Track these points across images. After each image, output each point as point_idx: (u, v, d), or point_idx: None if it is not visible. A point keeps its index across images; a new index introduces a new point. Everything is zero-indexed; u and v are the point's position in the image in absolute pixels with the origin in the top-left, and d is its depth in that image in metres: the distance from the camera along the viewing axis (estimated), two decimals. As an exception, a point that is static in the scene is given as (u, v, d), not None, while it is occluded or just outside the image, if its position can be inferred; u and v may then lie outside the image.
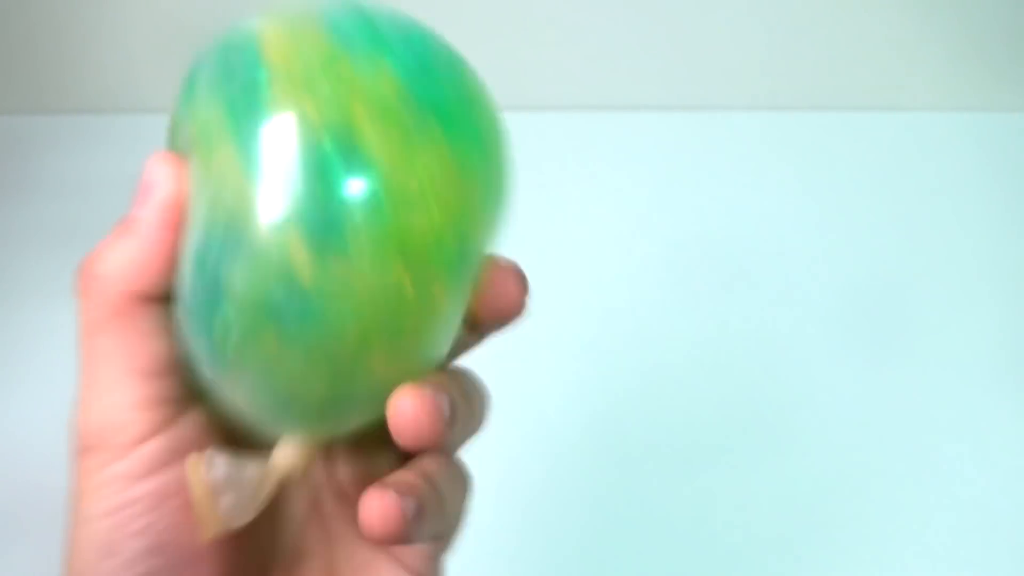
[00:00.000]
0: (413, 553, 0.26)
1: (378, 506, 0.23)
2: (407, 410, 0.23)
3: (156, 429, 0.24)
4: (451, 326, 0.24)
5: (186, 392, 0.24)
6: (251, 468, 0.23)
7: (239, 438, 0.25)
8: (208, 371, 0.23)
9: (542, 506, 0.51)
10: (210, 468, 0.23)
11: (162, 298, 0.24)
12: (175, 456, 0.24)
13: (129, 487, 0.23)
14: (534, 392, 0.54)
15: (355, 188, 0.21)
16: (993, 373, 0.57)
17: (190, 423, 0.25)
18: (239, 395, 0.23)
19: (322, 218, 0.21)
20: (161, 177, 0.23)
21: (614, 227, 0.65)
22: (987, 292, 0.61)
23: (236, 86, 0.22)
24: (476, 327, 0.25)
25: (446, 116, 0.22)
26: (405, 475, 0.24)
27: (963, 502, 0.51)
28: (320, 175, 0.21)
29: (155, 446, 0.24)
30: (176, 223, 0.23)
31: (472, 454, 0.26)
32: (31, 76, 0.72)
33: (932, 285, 0.61)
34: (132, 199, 0.24)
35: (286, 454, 0.24)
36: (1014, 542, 0.50)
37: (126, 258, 0.24)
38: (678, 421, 0.55)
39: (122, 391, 0.24)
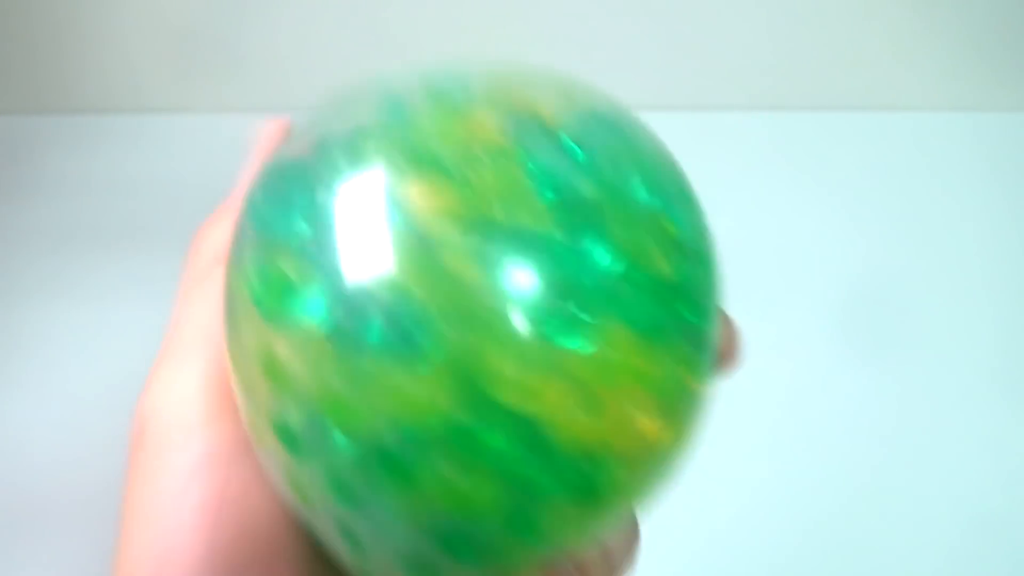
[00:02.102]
0: None
1: None
2: None
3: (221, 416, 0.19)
4: None
5: None
6: None
7: None
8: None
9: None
10: None
11: None
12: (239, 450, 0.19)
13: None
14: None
15: None
16: (993, 373, 0.57)
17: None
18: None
19: None
20: (263, 137, 0.21)
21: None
22: (987, 292, 0.61)
23: None
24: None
25: None
26: None
27: (963, 503, 0.51)
28: None
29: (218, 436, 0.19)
30: None
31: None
32: (31, 76, 0.72)
33: (932, 285, 0.61)
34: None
35: None
36: (1014, 542, 0.50)
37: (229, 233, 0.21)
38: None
39: (195, 363, 0.20)
